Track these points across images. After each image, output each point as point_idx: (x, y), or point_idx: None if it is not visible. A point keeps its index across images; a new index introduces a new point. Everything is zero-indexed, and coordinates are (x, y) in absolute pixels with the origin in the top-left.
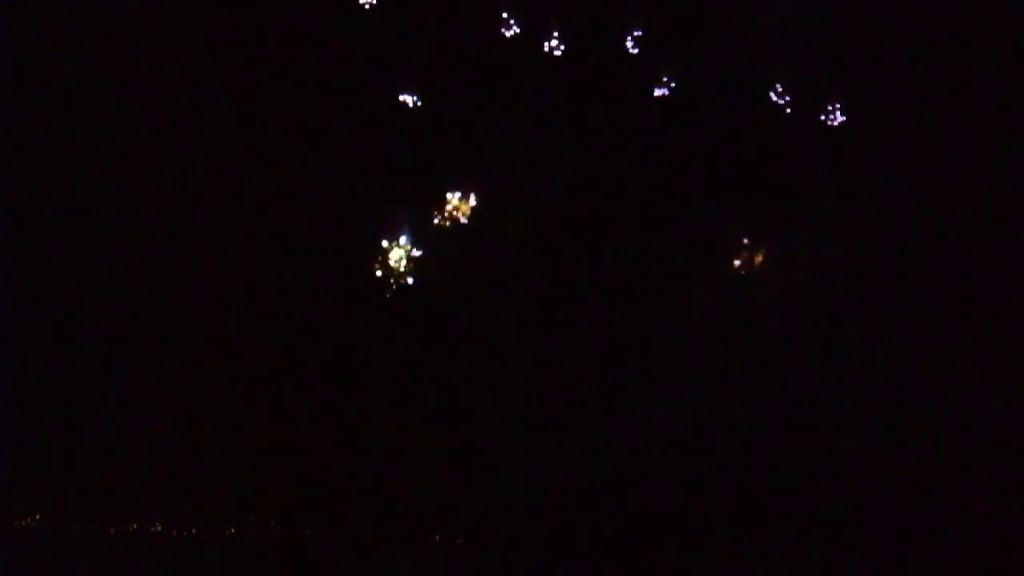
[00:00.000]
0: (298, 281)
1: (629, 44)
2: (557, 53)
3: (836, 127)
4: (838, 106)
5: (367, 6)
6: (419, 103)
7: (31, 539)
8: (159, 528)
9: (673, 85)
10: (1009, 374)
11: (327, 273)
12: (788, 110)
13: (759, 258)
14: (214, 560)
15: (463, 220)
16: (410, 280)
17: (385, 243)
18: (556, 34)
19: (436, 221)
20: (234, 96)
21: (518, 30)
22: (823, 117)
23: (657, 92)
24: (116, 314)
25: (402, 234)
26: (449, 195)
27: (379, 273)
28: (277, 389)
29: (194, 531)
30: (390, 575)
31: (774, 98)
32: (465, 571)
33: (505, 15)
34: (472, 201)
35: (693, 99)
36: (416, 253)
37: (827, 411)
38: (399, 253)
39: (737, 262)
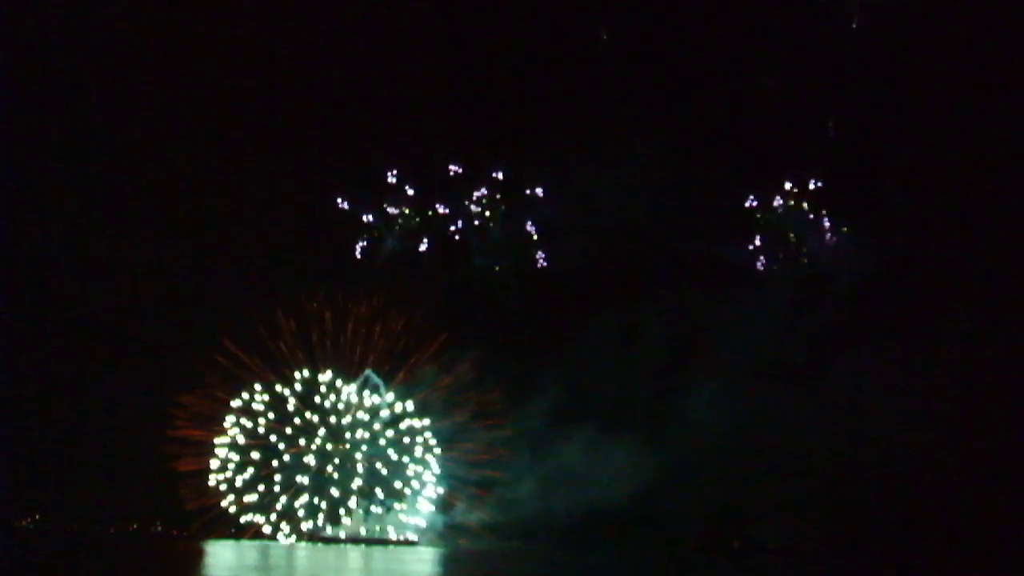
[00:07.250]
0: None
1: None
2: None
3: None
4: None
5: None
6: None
7: (31, 539)
8: (159, 528)
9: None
10: None
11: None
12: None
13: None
14: (216, 560)
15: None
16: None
17: None
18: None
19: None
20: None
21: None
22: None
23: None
24: (116, 318)
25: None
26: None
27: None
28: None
29: (194, 531)
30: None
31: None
32: (464, 571)
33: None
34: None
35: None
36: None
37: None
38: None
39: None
